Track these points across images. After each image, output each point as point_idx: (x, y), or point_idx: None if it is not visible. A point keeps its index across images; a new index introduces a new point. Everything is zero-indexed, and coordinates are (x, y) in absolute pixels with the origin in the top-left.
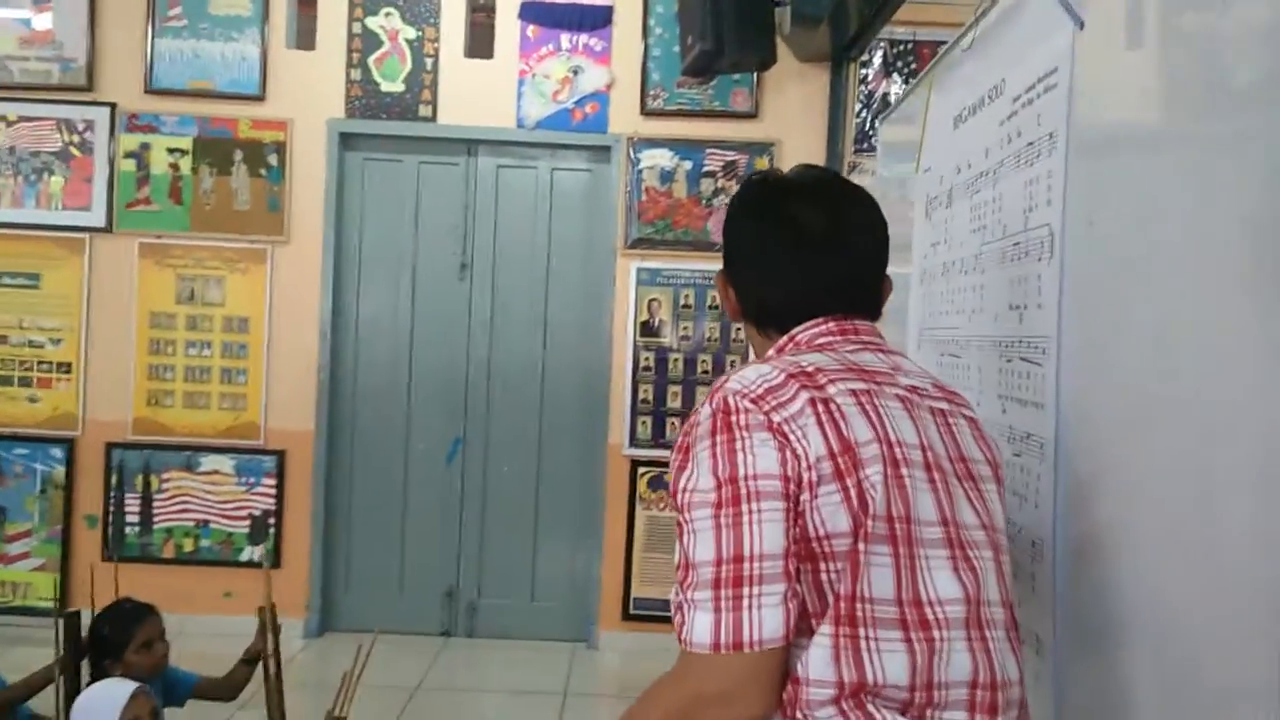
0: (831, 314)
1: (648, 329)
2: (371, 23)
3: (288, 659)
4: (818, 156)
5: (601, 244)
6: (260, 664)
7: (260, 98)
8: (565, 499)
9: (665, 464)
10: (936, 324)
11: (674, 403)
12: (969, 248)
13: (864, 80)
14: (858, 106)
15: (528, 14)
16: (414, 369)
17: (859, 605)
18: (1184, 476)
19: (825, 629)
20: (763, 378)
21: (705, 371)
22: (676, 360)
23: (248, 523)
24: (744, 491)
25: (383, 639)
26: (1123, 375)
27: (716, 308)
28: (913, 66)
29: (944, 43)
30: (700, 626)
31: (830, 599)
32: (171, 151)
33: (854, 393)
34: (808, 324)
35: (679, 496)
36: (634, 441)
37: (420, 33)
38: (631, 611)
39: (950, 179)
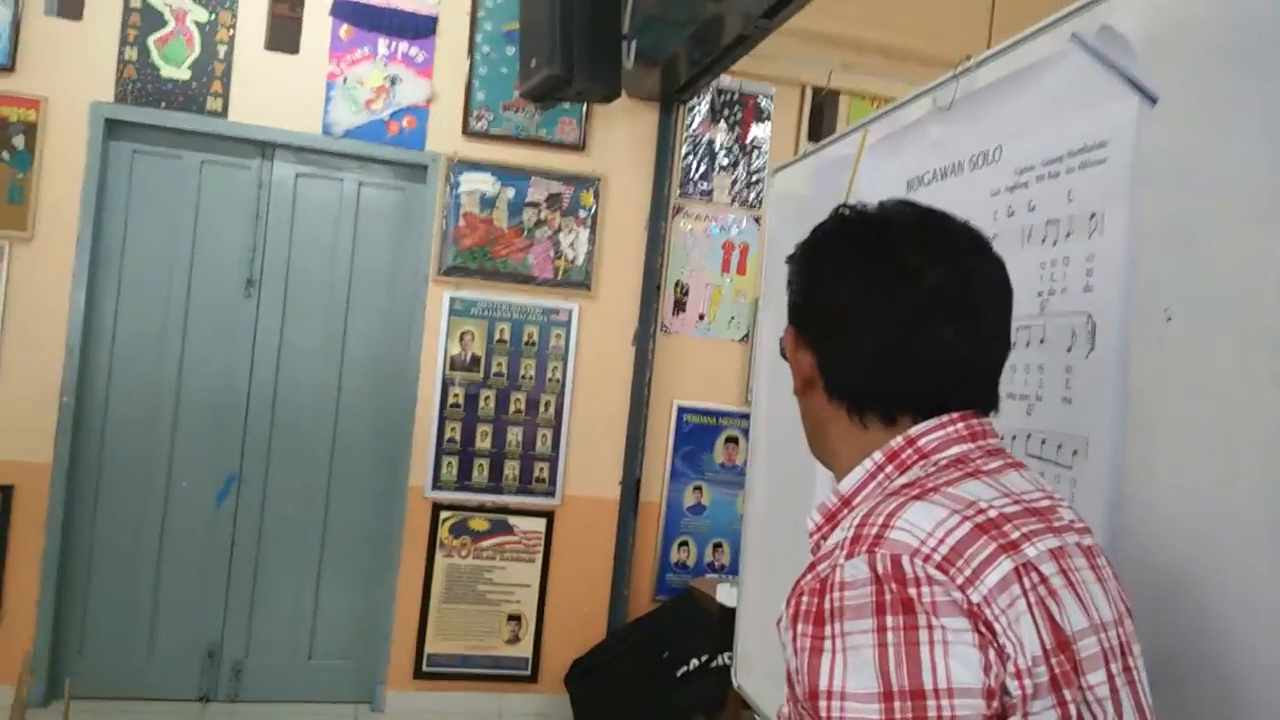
0: (957, 406)
1: (458, 363)
2: None
3: None
4: (644, 196)
5: (411, 269)
6: None
7: (8, 68)
8: (356, 545)
9: (471, 508)
10: None
11: (483, 443)
12: None
13: (689, 125)
14: (684, 150)
15: (341, 12)
16: (182, 396)
17: None
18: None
19: None
20: (942, 528)
21: (519, 411)
22: (489, 398)
23: None
24: (931, 717)
25: (127, 707)
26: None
27: (534, 344)
28: (739, 115)
29: (765, 96)
30: None
31: None
32: None
33: (1053, 554)
34: (934, 425)
35: (819, 701)
36: (438, 483)
37: (213, 16)
38: (424, 669)
39: None
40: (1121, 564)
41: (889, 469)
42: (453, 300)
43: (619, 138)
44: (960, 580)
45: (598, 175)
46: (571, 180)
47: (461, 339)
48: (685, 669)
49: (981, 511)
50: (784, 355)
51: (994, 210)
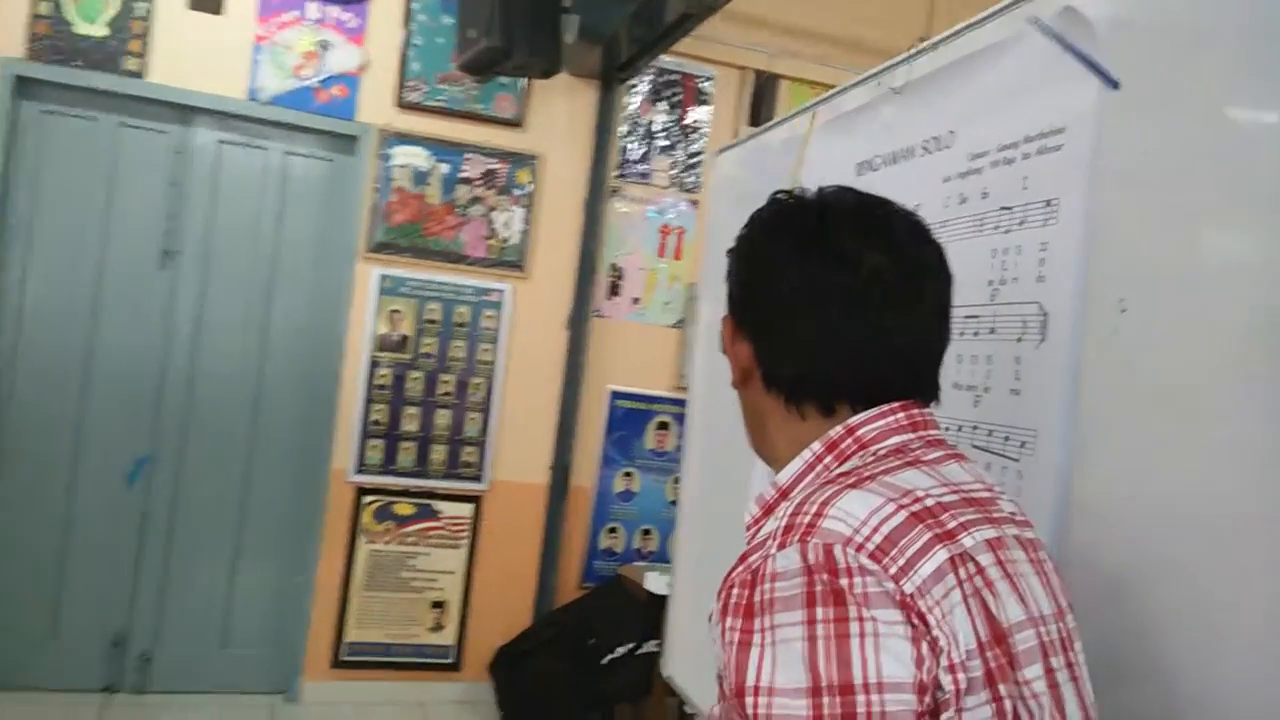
0: (897, 395)
1: (387, 343)
2: None
3: None
4: (581, 176)
5: (339, 244)
6: None
7: None
8: (274, 530)
9: (396, 493)
10: None
11: (410, 425)
12: None
13: (628, 105)
14: (623, 130)
15: None
16: (92, 372)
17: None
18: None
19: None
20: (877, 516)
21: (448, 394)
22: (417, 379)
23: None
24: (860, 712)
25: (28, 698)
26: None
27: (465, 325)
28: (679, 97)
29: (706, 78)
30: None
31: None
32: None
33: (990, 545)
34: (874, 414)
35: (746, 698)
36: (362, 467)
37: None
38: (343, 658)
39: None
40: (1068, 559)
41: (828, 459)
42: (382, 278)
43: (557, 115)
44: (893, 570)
45: (535, 153)
46: (508, 157)
47: (390, 318)
48: (611, 656)
49: (918, 500)
50: (723, 349)
51: (946, 196)
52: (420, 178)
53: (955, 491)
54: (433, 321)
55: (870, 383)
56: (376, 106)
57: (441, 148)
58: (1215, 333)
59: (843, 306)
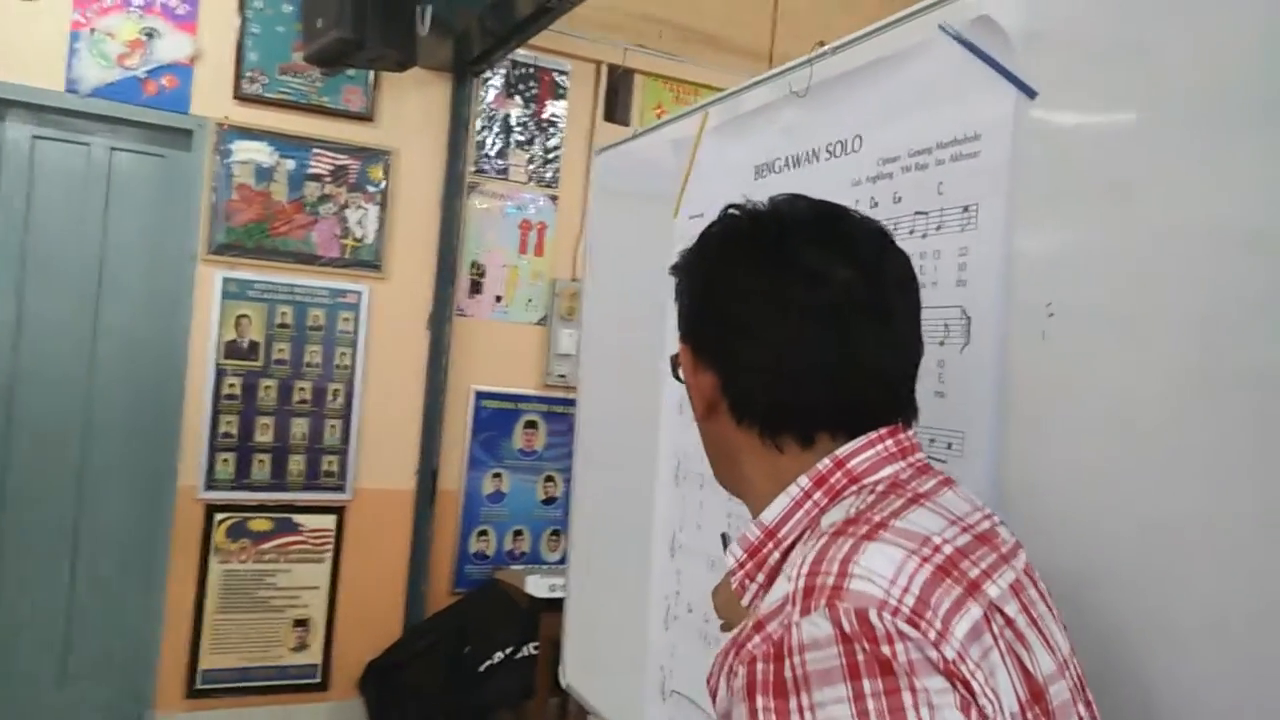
0: (877, 418)
1: (235, 350)
2: None
3: None
4: (437, 172)
5: (177, 247)
6: None
7: None
8: (115, 554)
9: (251, 508)
10: None
11: (264, 436)
12: None
13: (483, 98)
14: (479, 125)
15: None
16: None
17: None
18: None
19: None
20: (904, 574)
21: (304, 401)
22: (269, 388)
23: None
24: None
25: None
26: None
27: (320, 328)
28: (535, 91)
29: (561, 72)
30: None
31: None
32: None
33: (1013, 590)
34: (863, 444)
35: None
36: (212, 483)
37: None
38: (198, 687)
39: None
40: None
41: (817, 495)
42: (226, 281)
43: (410, 109)
44: (932, 635)
45: (387, 148)
46: (359, 153)
47: (237, 324)
48: (489, 663)
49: (938, 550)
50: (677, 377)
51: (855, 200)
52: (264, 174)
53: (965, 529)
54: (285, 326)
55: (850, 408)
56: (213, 99)
57: (286, 143)
58: (1144, 334)
59: (815, 327)
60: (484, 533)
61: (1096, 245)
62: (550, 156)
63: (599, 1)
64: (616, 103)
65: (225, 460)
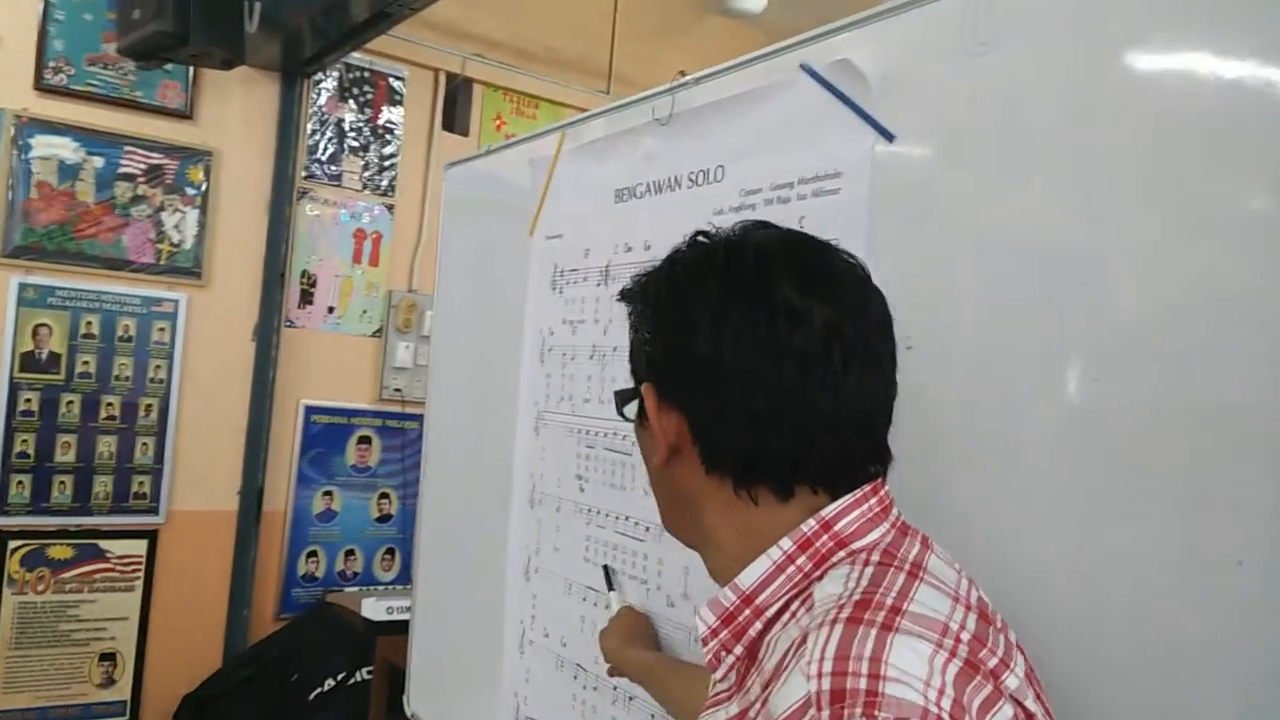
0: (856, 468)
1: (32, 362)
2: None
3: None
4: (264, 176)
5: None
6: None
7: None
8: None
9: (51, 534)
10: (576, 410)
11: (65, 456)
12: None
13: (314, 100)
14: (310, 128)
15: None
16: None
17: None
18: None
19: None
20: (936, 674)
21: (112, 417)
22: (72, 403)
23: None
24: None
25: None
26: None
27: (131, 339)
28: (370, 96)
29: (397, 77)
30: None
31: None
32: None
33: (1027, 678)
34: (849, 504)
35: None
36: (5, 507)
37: None
38: None
39: (609, 256)
40: None
41: (801, 560)
42: (23, 287)
43: (234, 109)
44: None
45: (208, 149)
46: (176, 152)
47: (35, 334)
48: (320, 690)
49: (958, 640)
50: (622, 414)
51: (718, 229)
52: (69, 172)
53: (967, 606)
54: (90, 337)
55: (832, 459)
56: (9, 89)
57: (93, 139)
58: (1001, 364)
59: (799, 370)
60: (313, 554)
61: (953, 280)
62: (386, 164)
63: (438, 9)
64: (455, 112)
65: (20, 482)
